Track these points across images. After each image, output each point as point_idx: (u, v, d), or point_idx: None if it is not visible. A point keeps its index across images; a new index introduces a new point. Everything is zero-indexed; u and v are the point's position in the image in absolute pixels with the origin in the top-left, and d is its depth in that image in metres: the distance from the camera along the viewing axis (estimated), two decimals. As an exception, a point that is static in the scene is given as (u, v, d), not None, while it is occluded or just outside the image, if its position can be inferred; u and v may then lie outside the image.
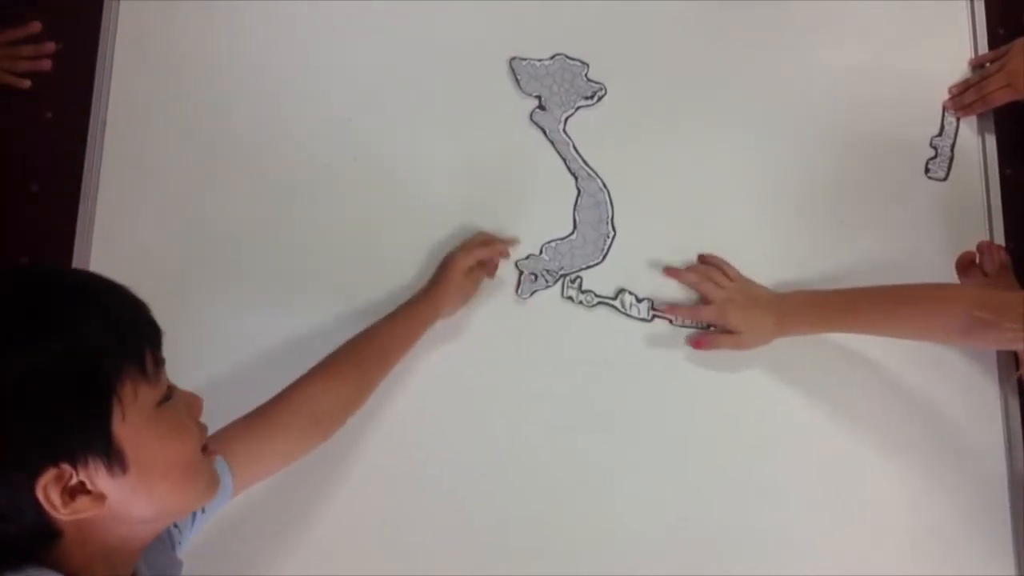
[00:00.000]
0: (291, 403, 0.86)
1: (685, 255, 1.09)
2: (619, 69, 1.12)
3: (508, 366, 1.05)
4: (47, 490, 0.55)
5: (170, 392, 0.63)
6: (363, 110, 1.10)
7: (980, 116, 1.15)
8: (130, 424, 0.58)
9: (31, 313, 0.56)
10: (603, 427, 1.04)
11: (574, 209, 1.09)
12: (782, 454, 1.04)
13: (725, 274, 1.05)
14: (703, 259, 1.07)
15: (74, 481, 0.56)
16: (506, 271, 1.06)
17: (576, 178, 1.10)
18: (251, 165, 1.07)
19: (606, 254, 1.08)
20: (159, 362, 0.61)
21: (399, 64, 1.11)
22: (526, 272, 1.07)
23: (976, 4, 1.19)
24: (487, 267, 1.04)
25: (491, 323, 1.05)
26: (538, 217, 1.08)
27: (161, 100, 1.09)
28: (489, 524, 1.01)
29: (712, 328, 1.05)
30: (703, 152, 1.12)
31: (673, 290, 1.07)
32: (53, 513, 0.56)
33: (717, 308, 1.02)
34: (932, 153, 1.14)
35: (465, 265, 1.00)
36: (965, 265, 1.07)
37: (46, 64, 1.10)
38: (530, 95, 1.11)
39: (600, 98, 1.12)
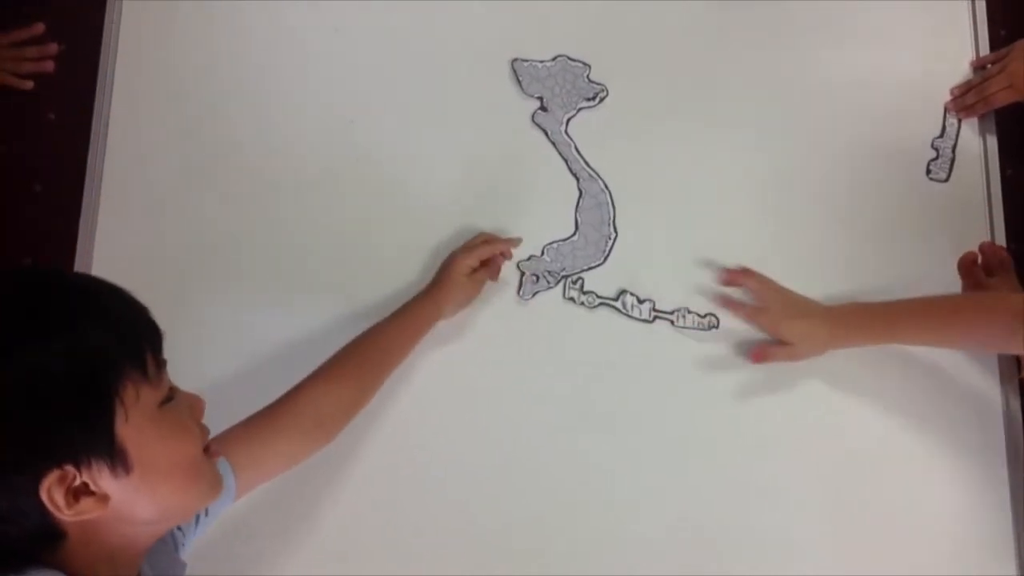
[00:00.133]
0: (294, 405, 0.86)
1: (686, 256, 1.09)
2: (621, 70, 1.13)
3: (510, 367, 1.05)
4: (51, 491, 0.56)
5: (172, 393, 0.63)
6: (365, 111, 1.10)
7: (981, 117, 1.15)
8: (133, 425, 0.58)
9: (32, 315, 0.57)
10: (604, 427, 1.04)
11: (576, 210, 1.09)
12: (782, 454, 1.04)
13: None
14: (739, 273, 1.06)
15: (78, 482, 0.57)
16: (508, 272, 1.06)
17: (578, 179, 1.10)
18: (253, 166, 1.08)
19: (608, 255, 1.08)
20: (160, 364, 0.62)
21: (401, 65, 1.12)
22: (528, 273, 1.07)
23: (977, 5, 1.19)
24: (490, 268, 1.04)
25: (493, 324, 1.05)
26: (540, 218, 1.08)
27: (163, 101, 1.09)
28: (490, 524, 1.01)
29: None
30: (705, 153, 1.12)
31: (674, 291, 1.07)
32: (57, 514, 0.56)
33: (772, 317, 1.02)
34: (933, 154, 1.14)
35: (467, 265, 1.00)
36: (967, 266, 1.07)
37: (49, 65, 1.10)
38: (532, 96, 1.11)
39: (602, 99, 1.12)
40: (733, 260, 1.08)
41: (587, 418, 1.04)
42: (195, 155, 1.08)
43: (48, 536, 0.58)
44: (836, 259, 1.09)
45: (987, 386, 1.08)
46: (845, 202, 1.11)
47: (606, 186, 1.10)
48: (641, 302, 1.07)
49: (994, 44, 1.17)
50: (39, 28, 1.11)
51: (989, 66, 1.15)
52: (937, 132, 1.15)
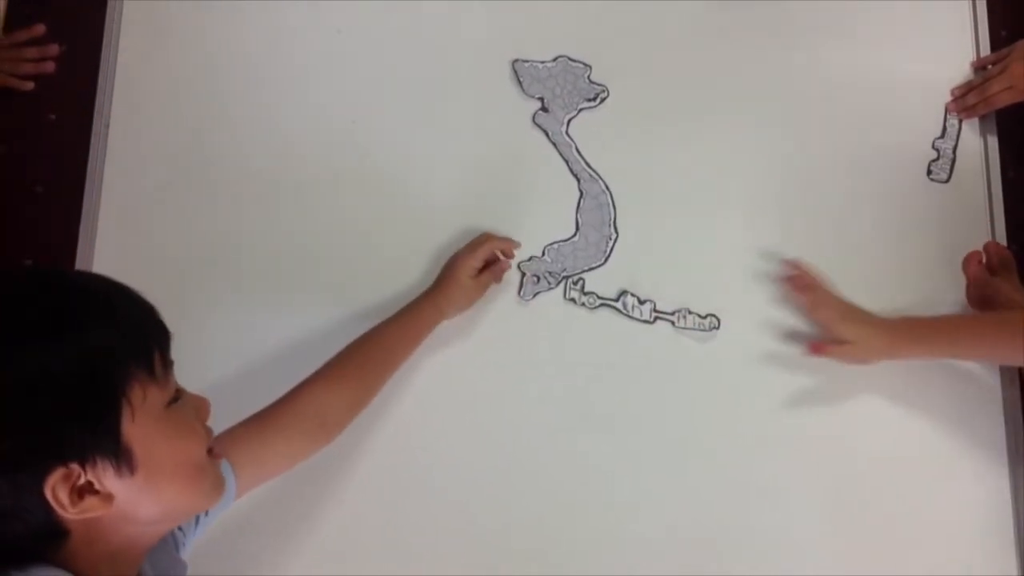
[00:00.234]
0: (295, 406, 0.86)
1: (688, 257, 1.09)
2: (621, 71, 1.13)
3: (510, 367, 1.05)
4: (55, 489, 0.56)
5: (178, 394, 0.63)
6: (366, 112, 1.10)
7: (982, 118, 1.15)
8: (140, 425, 0.58)
9: (40, 315, 0.57)
10: (604, 428, 1.04)
11: (576, 211, 1.09)
12: (782, 454, 1.05)
13: None
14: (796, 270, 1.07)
15: (82, 481, 0.57)
16: (508, 273, 1.06)
17: (578, 180, 1.10)
18: (255, 167, 1.08)
19: (608, 256, 1.08)
20: (167, 364, 0.62)
21: (402, 66, 1.12)
22: (528, 274, 1.07)
23: (978, 6, 1.19)
24: (494, 270, 1.03)
25: (493, 325, 1.05)
26: (540, 219, 1.08)
27: (164, 102, 1.09)
28: (490, 523, 1.01)
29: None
30: (705, 153, 1.12)
31: (675, 292, 1.07)
32: (61, 512, 0.57)
33: (832, 315, 1.02)
34: (934, 155, 1.14)
35: (471, 267, 1.00)
36: (972, 266, 1.07)
37: (49, 67, 1.10)
38: (533, 97, 1.12)
39: (603, 100, 1.12)
40: (734, 261, 1.09)
41: (587, 419, 1.04)
42: (196, 156, 1.08)
43: (52, 534, 0.58)
44: (837, 259, 1.09)
45: (988, 385, 1.08)
46: (846, 203, 1.12)
47: (607, 187, 1.10)
48: (642, 303, 1.07)
49: (995, 44, 1.17)
50: (40, 29, 1.10)
51: (990, 67, 1.15)
52: (938, 133, 1.15)
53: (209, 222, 1.06)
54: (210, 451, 0.66)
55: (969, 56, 1.18)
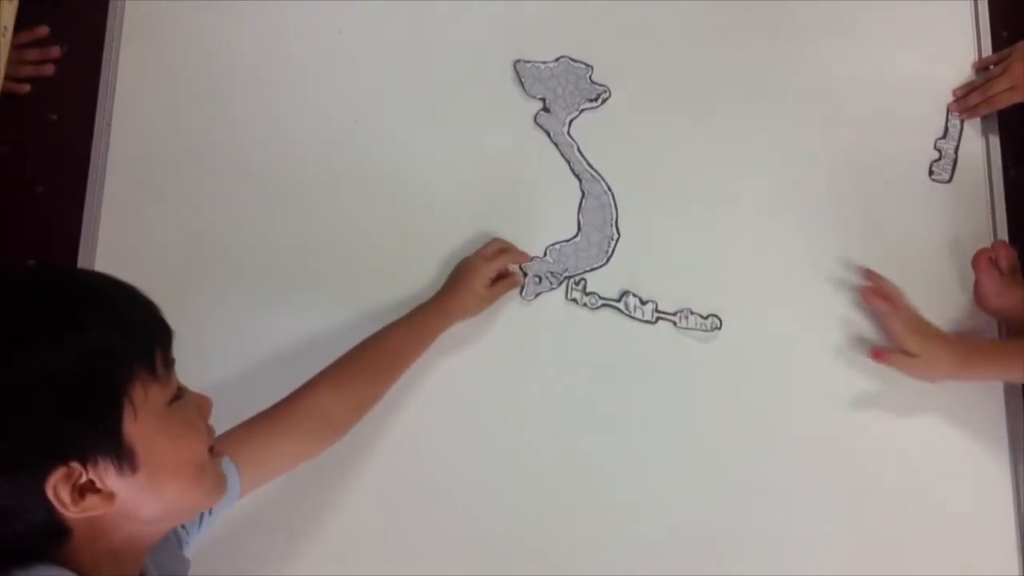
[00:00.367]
0: (300, 405, 0.86)
1: (689, 257, 1.09)
2: (623, 71, 1.13)
3: (512, 368, 1.05)
4: (57, 488, 0.56)
5: (180, 392, 0.63)
6: (368, 112, 1.10)
7: (984, 118, 1.15)
8: (141, 424, 0.58)
9: (41, 314, 0.57)
10: (606, 428, 1.04)
11: (578, 211, 1.09)
12: (782, 454, 1.04)
13: None
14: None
15: (84, 480, 0.57)
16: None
17: (580, 180, 1.10)
18: (257, 167, 1.08)
19: (610, 256, 1.08)
20: (169, 362, 0.62)
21: (404, 67, 1.12)
22: (530, 274, 1.07)
23: (980, 6, 1.19)
24: (508, 282, 1.03)
25: (495, 325, 1.05)
26: (542, 219, 1.08)
27: (165, 102, 1.09)
28: (491, 523, 1.01)
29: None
30: (707, 154, 1.12)
31: (677, 292, 1.07)
32: (63, 511, 0.57)
33: (904, 326, 1.01)
34: (936, 155, 1.14)
35: (486, 277, 1.00)
36: (982, 263, 1.06)
37: (49, 69, 1.09)
38: (534, 98, 1.12)
39: (604, 100, 1.12)
40: (736, 261, 1.08)
41: (589, 419, 1.04)
42: (198, 156, 1.08)
43: (53, 533, 0.58)
44: (837, 259, 1.09)
45: (990, 384, 1.08)
46: (847, 203, 1.11)
47: (609, 187, 1.10)
48: (644, 303, 1.07)
49: (996, 45, 1.17)
50: (43, 31, 1.10)
51: (992, 67, 1.15)
52: (940, 133, 1.15)
53: (210, 222, 1.06)
54: (212, 449, 0.66)
55: (971, 56, 1.18)
